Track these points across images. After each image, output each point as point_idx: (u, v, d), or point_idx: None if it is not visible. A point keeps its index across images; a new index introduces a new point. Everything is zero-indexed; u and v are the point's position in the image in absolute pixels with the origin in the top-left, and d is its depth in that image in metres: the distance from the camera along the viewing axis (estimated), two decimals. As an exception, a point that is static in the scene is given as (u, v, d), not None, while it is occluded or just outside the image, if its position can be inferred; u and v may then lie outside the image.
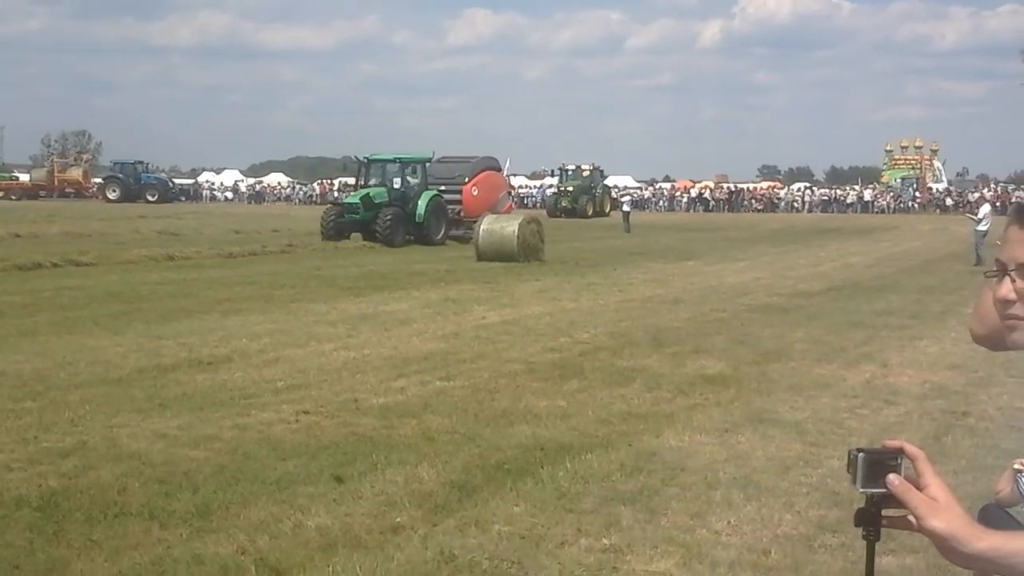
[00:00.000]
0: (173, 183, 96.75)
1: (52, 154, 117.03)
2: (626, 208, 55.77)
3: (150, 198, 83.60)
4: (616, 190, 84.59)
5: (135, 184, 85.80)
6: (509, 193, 48.24)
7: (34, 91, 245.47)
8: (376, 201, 37.10)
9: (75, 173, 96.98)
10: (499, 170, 45.08)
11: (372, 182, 38.83)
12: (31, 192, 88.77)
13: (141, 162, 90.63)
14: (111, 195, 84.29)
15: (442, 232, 38.49)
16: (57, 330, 15.31)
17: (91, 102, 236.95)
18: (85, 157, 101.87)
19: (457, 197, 41.24)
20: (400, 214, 36.74)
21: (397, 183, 38.30)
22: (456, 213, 40.36)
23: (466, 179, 42.14)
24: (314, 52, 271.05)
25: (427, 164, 39.95)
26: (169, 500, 7.48)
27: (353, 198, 38.53)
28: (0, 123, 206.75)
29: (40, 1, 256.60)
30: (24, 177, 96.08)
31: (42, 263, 25.75)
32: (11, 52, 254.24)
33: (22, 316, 16.78)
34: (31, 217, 50.48)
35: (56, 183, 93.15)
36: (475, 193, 41.82)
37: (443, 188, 40.05)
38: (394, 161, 39.15)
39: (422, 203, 37.65)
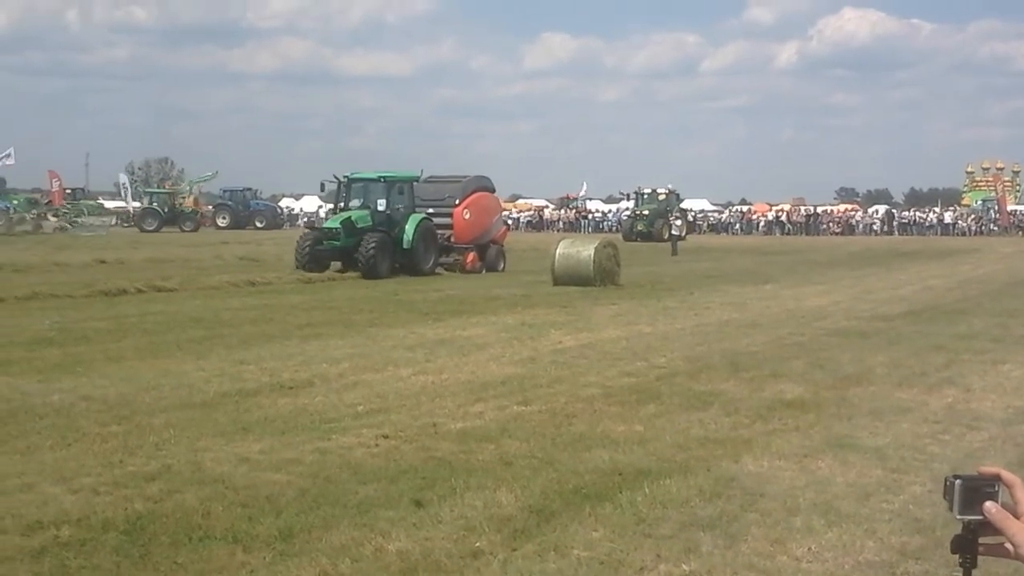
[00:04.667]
0: (281, 209, 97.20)
1: (165, 180, 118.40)
2: (675, 232, 55.00)
3: (259, 224, 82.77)
4: (691, 213, 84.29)
5: (244, 211, 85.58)
6: (505, 220, 44.26)
7: (117, 118, 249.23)
8: (358, 226, 33.57)
9: (187, 200, 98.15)
10: (492, 191, 40.80)
11: (354, 204, 35.39)
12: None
13: (250, 189, 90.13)
14: (221, 222, 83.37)
15: (431, 261, 35.10)
16: (142, 355, 15.60)
17: (173, 129, 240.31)
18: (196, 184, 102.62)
19: (447, 221, 36.85)
20: (385, 240, 33.21)
21: (382, 205, 34.67)
22: (446, 239, 36.52)
23: (457, 201, 37.43)
24: (393, 77, 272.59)
25: (414, 184, 36.39)
26: (252, 524, 7.58)
27: (332, 222, 34.86)
28: (85, 150, 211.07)
29: (124, 30, 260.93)
30: (110, 204, 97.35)
31: (127, 289, 26.19)
32: (95, 80, 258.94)
33: (107, 341, 17.10)
34: (115, 244, 51.45)
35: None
36: (467, 216, 37.44)
37: (432, 211, 36.11)
38: (378, 180, 35.47)
39: (409, 227, 34.11)
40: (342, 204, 35.78)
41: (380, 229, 33.66)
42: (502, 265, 38.15)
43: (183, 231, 74.84)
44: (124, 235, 67.92)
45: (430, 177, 38.78)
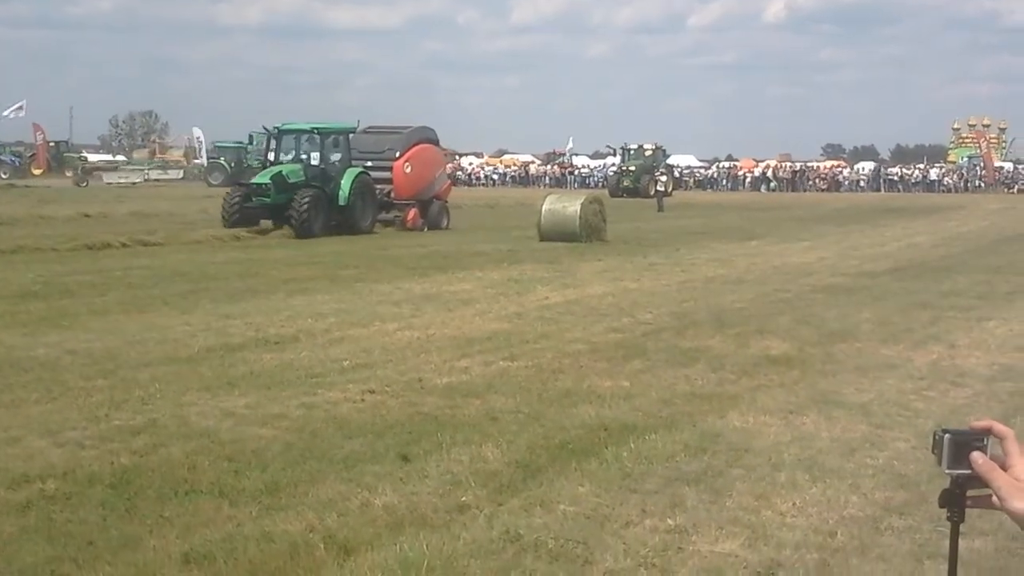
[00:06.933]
0: None
1: (150, 134, 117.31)
2: (661, 188, 54.84)
3: None
4: (677, 169, 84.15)
5: (238, 168, 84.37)
6: (448, 173, 42.35)
7: (101, 71, 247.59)
8: (290, 181, 31.33)
9: (176, 154, 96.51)
10: (436, 142, 38.31)
11: (285, 158, 33.13)
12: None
13: (241, 143, 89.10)
14: (213, 181, 78.69)
15: (370, 218, 33.13)
16: (127, 309, 15.55)
17: (158, 82, 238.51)
18: (187, 137, 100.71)
19: (387, 175, 34.68)
20: (320, 196, 31.04)
21: (315, 159, 32.77)
22: (386, 194, 34.56)
23: (397, 154, 34.89)
24: (381, 30, 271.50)
25: (351, 136, 34.27)
26: (238, 478, 7.59)
27: (262, 177, 32.09)
28: (69, 103, 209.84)
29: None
30: (93, 158, 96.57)
31: (111, 243, 26.11)
32: (80, 33, 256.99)
33: (92, 295, 17.04)
34: (101, 198, 51.17)
35: None
36: (408, 170, 35.08)
37: (370, 164, 33.90)
38: (311, 132, 33.46)
39: (345, 183, 32.00)
40: (272, 158, 33.68)
41: (314, 184, 31.67)
42: (446, 222, 36.38)
43: None
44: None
45: (369, 128, 36.53)
